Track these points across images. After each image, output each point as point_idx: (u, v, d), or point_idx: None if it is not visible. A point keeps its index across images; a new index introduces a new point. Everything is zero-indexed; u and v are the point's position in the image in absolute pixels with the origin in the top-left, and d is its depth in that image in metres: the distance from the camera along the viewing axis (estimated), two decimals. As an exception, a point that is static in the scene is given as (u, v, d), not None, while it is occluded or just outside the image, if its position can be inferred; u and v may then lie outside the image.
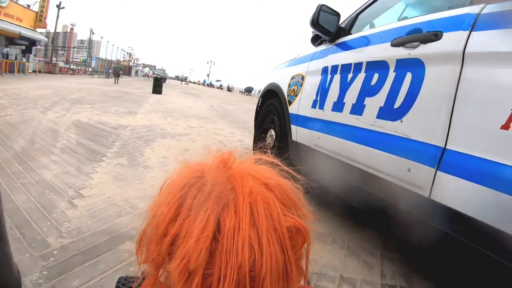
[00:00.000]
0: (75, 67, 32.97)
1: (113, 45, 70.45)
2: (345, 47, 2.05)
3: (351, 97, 1.79)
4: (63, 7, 29.04)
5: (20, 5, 23.46)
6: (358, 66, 1.78)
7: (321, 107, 2.10)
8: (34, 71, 22.94)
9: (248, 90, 45.19)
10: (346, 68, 1.91)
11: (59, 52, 43.34)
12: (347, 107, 1.81)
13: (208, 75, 77.36)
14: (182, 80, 70.00)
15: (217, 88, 60.17)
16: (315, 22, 2.12)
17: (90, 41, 44.34)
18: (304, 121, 2.33)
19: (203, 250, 0.32)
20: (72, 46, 45.80)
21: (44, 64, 27.56)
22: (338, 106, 1.90)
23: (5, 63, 17.19)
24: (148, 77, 55.08)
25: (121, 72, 35.69)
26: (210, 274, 0.33)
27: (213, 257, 0.33)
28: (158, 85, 14.99)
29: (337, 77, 1.99)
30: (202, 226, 0.33)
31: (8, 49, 19.44)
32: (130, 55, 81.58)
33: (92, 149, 3.34)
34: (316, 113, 2.17)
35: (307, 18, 2.28)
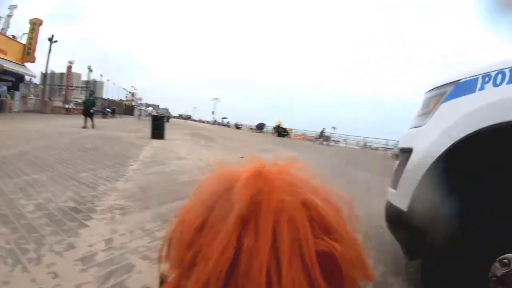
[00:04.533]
0: (69, 106, 29.62)
1: (114, 84, 68.52)
2: None
3: None
4: (56, 41, 26.21)
5: (3, 35, 20.37)
6: None
7: None
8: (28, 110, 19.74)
9: (260, 127, 41.21)
10: None
11: (62, 92, 40.09)
12: None
13: (213, 113, 74.56)
14: (185, 119, 67.23)
15: (224, 125, 56.97)
16: None
17: (88, 78, 41.78)
18: None
19: (222, 272, 0.30)
20: (70, 85, 42.47)
21: (35, 102, 24.44)
22: None
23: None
24: (152, 115, 52.28)
25: (113, 108, 33.13)
26: None
27: (231, 279, 0.30)
28: (158, 126, 11.03)
29: None
30: (222, 246, 0.31)
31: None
32: (132, 94, 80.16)
33: None
34: None
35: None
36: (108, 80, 71.01)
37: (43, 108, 24.53)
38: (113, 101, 53.17)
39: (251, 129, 44.80)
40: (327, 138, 26.38)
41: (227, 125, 58.14)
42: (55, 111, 26.27)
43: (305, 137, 33.47)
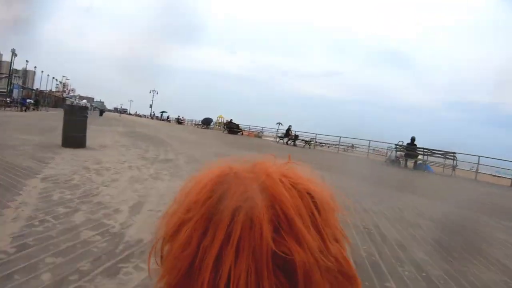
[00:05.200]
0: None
1: (48, 75, 59.44)
2: None
3: None
4: None
5: None
6: None
7: None
8: None
9: (206, 123, 36.57)
10: None
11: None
12: None
13: (150, 106, 66.87)
14: (120, 113, 59.05)
15: (164, 120, 50.92)
16: None
17: (11, 64, 32.48)
18: None
19: (182, 269, 0.31)
20: None
21: None
22: None
23: None
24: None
25: (36, 99, 26.83)
26: None
27: (189, 275, 0.31)
28: (76, 126, 6.60)
29: None
30: (183, 243, 0.31)
31: None
32: (64, 85, 69.21)
33: None
34: None
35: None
36: (35, 67, 60.12)
37: None
38: (41, 92, 45.13)
39: (196, 124, 40.40)
40: (295, 138, 22.07)
41: (167, 119, 52.76)
42: None
43: (255, 135, 29.94)
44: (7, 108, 22.85)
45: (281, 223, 0.30)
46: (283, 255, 0.29)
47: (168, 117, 54.82)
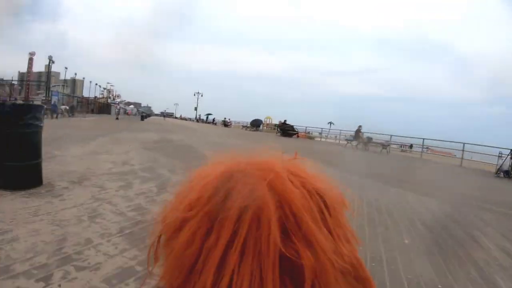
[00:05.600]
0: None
1: (96, 84, 62.80)
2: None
3: None
4: None
5: None
6: None
7: None
8: None
9: (256, 124, 33.25)
10: None
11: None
12: None
13: (195, 109, 66.25)
14: (164, 116, 58.90)
15: (209, 123, 48.89)
16: None
17: (49, 71, 32.89)
18: None
19: (184, 269, 0.29)
20: (30, 80, 33.37)
21: None
22: None
23: None
24: (128, 114, 42.71)
25: (71, 105, 26.06)
26: None
27: (190, 275, 0.29)
28: (21, 143, 3.23)
29: None
30: (185, 242, 0.30)
31: None
32: (108, 91, 71.54)
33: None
34: None
35: None
36: (83, 78, 64.42)
37: None
38: (86, 99, 46.32)
39: (244, 127, 37.46)
40: (368, 141, 17.43)
41: (213, 122, 50.36)
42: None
43: (307, 136, 25.98)
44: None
45: (290, 224, 0.29)
46: (292, 257, 0.28)
47: (214, 119, 52.73)
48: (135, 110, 53.45)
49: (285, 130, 24.12)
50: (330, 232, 0.30)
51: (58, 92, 28.91)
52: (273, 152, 0.36)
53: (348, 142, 18.78)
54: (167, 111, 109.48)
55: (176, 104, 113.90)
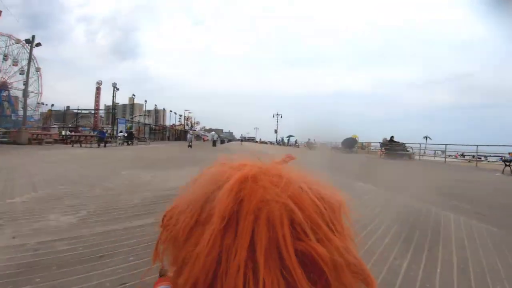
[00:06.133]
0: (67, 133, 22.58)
1: (175, 113, 69.20)
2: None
3: None
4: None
5: None
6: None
7: None
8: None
9: (349, 145, 26.12)
10: None
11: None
12: None
13: (276, 131, 62.59)
14: (241, 141, 56.61)
15: (292, 145, 44.12)
16: None
17: (113, 99, 33.14)
18: None
19: (209, 273, 0.31)
20: (98, 109, 34.38)
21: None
22: None
23: None
24: (204, 141, 41.14)
25: (129, 132, 25.12)
26: None
27: (216, 279, 0.31)
28: None
29: None
30: (208, 247, 0.31)
31: None
32: (187, 118, 73.78)
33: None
34: None
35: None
36: (164, 108, 68.79)
37: (17, 137, 18.22)
38: (162, 126, 47.85)
39: (334, 148, 31.27)
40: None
41: (295, 144, 45.32)
42: (37, 139, 19.57)
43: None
44: (85, 144, 19.86)
45: (304, 226, 0.31)
46: (309, 253, 0.30)
47: (296, 141, 47.72)
48: (216, 136, 52.52)
49: (395, 149, 17.90)
50: (337, 232, 0.33)
51: (125, 120, 28.41)
52: (280, 159, 0.39)
53: (507, 165, 11.75)
54: (248, 135, 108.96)
55: (256, 128, 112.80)
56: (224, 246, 0.30)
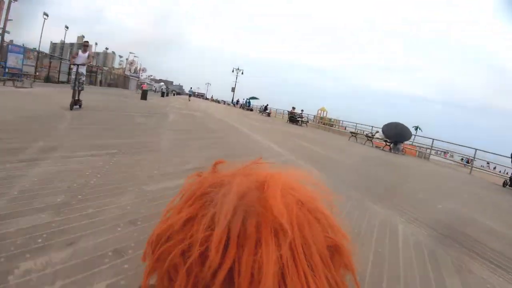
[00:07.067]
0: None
1: (120, 56, 62.03)
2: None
3: None
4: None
5: None
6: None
7: None
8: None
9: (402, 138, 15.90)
10: None
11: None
12: None
13: (233, 90, 52.61)
14: (189, 95, 49.32)
15: (247, 109, 40.69)
16: None
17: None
18: None
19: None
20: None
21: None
22: None
23: None
24: (142, 89, 35.25)
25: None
26: None
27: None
28: None
29: None
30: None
31: None
32: (130, 62, 63.82)
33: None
34: None
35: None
36: (106, 48, 64.01)
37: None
38: (97, 68, 38.59)
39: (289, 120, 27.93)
40: None
41: (248, 108, 40.19)
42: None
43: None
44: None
45: (320, 221, 0.33)
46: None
47: (266, 107, 35.96)
48: (164, 87, 45.91)
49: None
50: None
51: (24, 48, 15.64)
52: (261, 161, 0.38)
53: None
54: (198, 91, 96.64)
55: (208, 83, 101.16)
56: (240, 258, 0.28)
